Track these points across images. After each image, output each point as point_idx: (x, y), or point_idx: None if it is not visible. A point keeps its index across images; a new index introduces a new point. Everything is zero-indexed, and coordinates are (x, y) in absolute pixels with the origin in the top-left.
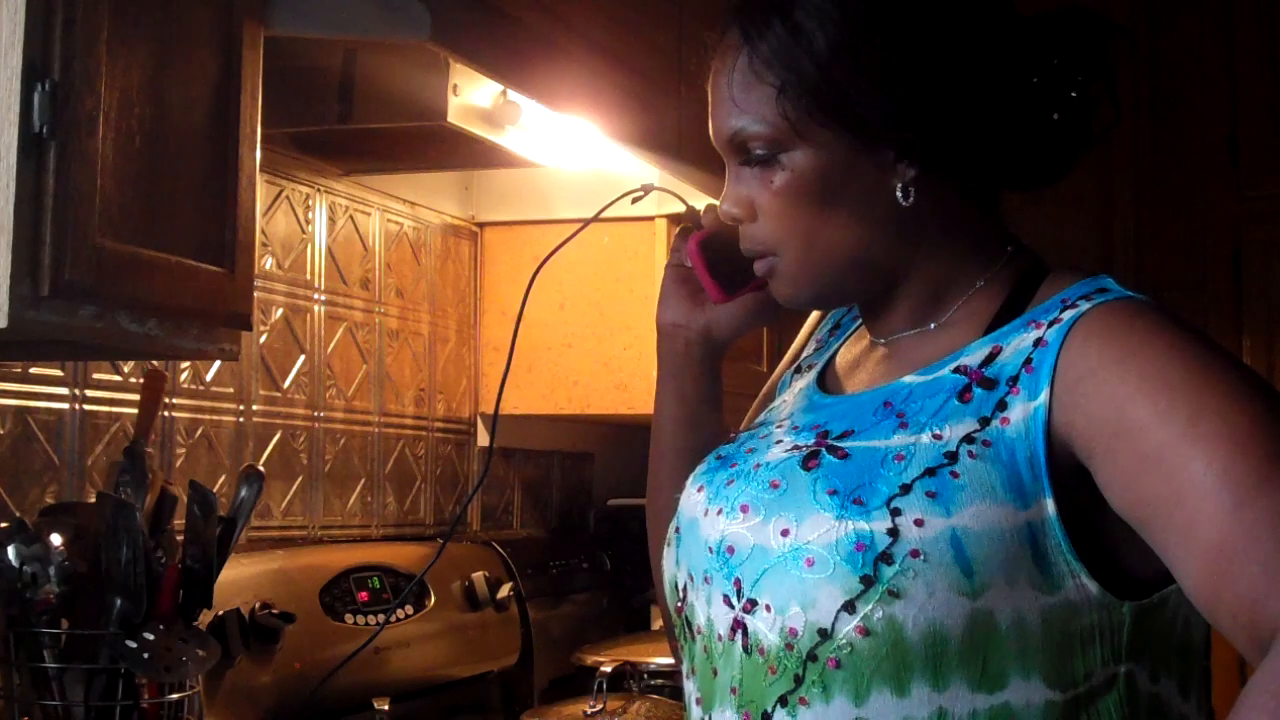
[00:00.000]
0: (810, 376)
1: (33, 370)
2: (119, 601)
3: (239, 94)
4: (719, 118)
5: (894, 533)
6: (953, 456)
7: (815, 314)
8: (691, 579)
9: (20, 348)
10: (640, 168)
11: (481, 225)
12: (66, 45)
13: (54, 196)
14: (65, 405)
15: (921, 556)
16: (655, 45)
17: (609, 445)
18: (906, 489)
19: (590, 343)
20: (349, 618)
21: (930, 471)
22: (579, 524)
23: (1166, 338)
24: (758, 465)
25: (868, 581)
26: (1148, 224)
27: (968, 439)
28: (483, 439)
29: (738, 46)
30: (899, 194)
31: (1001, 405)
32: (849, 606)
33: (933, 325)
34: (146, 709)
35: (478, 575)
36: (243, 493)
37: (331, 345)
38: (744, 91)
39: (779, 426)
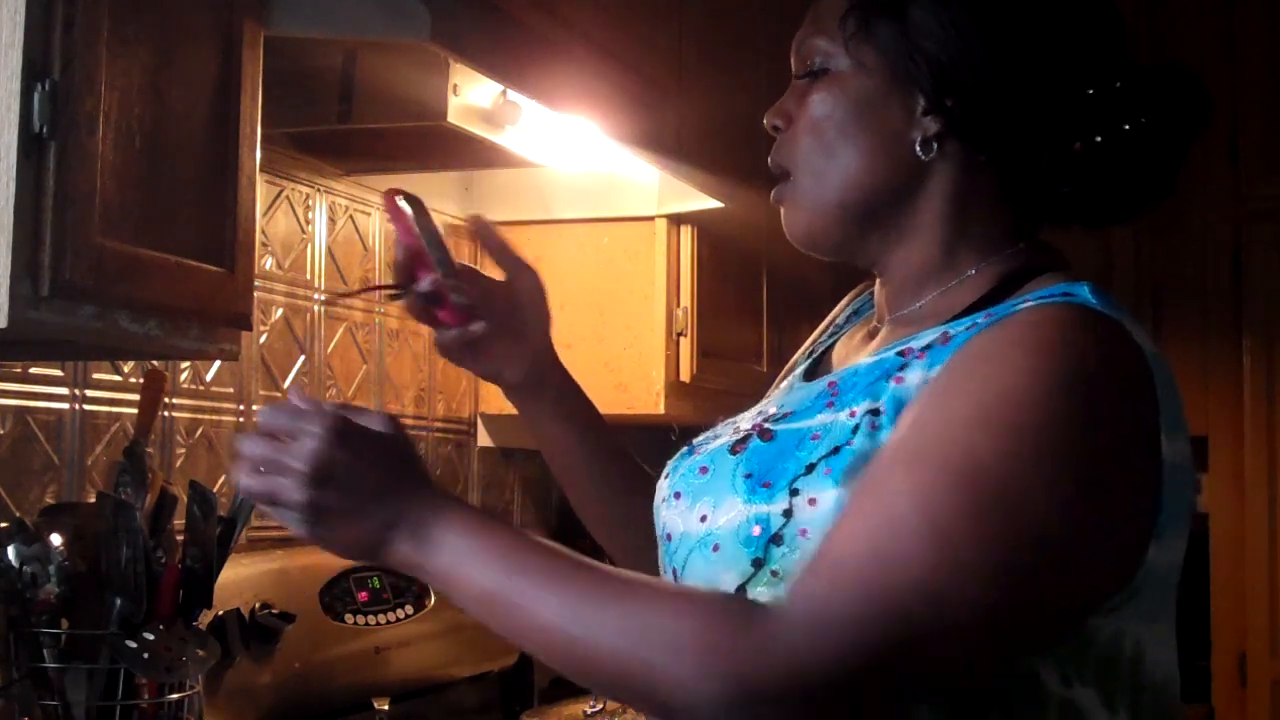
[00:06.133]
0: (807, 363)
1: (33, 370)
2: (119, 601)
3: (239, 94)
4: (799, 32)
5: (789, 513)
6: (856, 430)
7: (843, 301)
8: (660, 570)
9: (20, 348)
10: (640, 167)
11: None
12: (66, 45)
13: (54, 196)
14: (65, 405)
15: (808, 535)
16: (655, 45)
17: None
18: (811, 468)
19: (590, 343)
20: (349, 618)
21: (836, 449)
22: (579, 524)
23: (1032, 364)
24: (701, 451)
25: (758, 564)
26: (1147, 224)
27: (872, 411)
28: (483, 439)
29: None
30: (918, 146)
31: (903, 368)
32: (740, 590)
33: (919, 305)
34: (146, 709)
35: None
36: None
37: (331, 345)
38: (826, 7)
39: (750, 412)
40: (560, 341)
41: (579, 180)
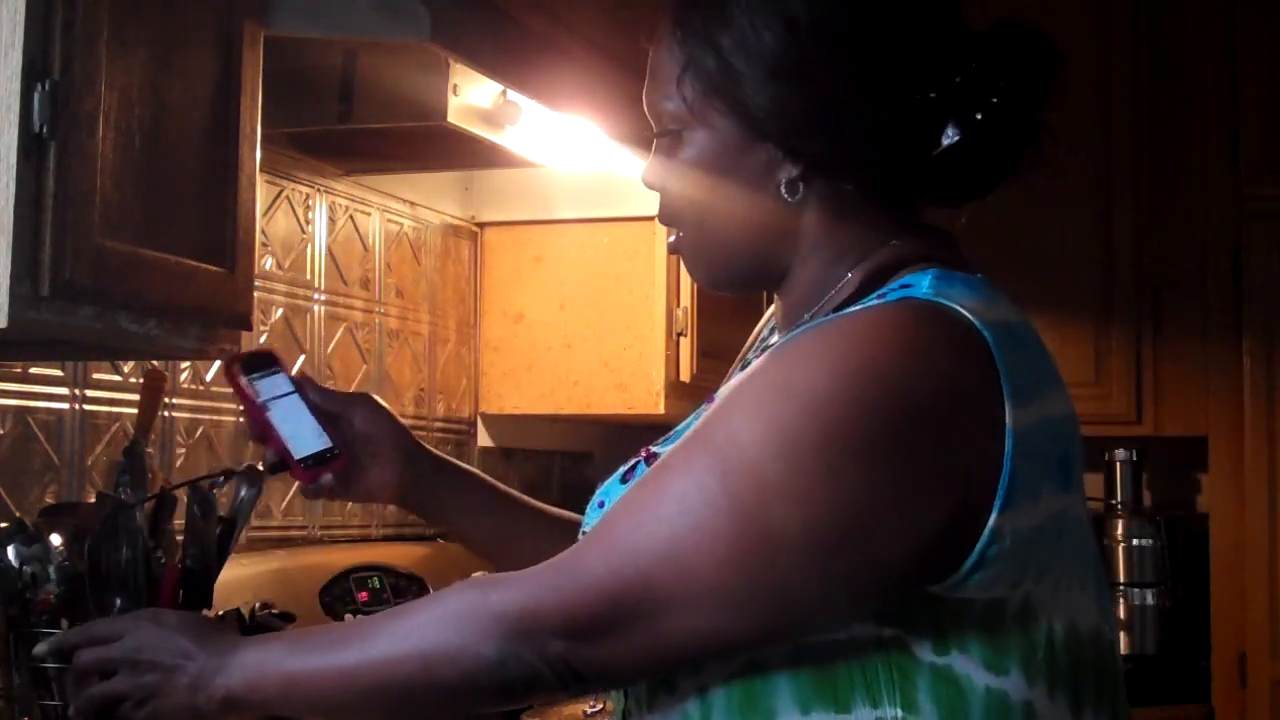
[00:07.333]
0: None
1: (33, 370)
2: (119, 601)
3: (239, 94)
4: (646, 87)
5: None
6: None
7: (765, 315)
8: None
9: (20, 348)
10: (640, 167)
11: (481, 225)
12: (66, 45)
13: (54, 196)
14: (65, 405)
15: None
16: None
17: (609, 445)
18: None
19: (590, 343)
20: (349, 618)
21: None
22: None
23: (815, 360)
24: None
25: None
26: (1148, 224)
27: None
28: (483, 439)
29: (669, 23)
30: (783, 190)
31: (745, 367)
32: None
33: (807, 317)
34: None
35: (478, 575)
36: (243, 493)
37: (331, 345)
38: (661, 67)
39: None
40: (560, 342)
41: (579, 180)
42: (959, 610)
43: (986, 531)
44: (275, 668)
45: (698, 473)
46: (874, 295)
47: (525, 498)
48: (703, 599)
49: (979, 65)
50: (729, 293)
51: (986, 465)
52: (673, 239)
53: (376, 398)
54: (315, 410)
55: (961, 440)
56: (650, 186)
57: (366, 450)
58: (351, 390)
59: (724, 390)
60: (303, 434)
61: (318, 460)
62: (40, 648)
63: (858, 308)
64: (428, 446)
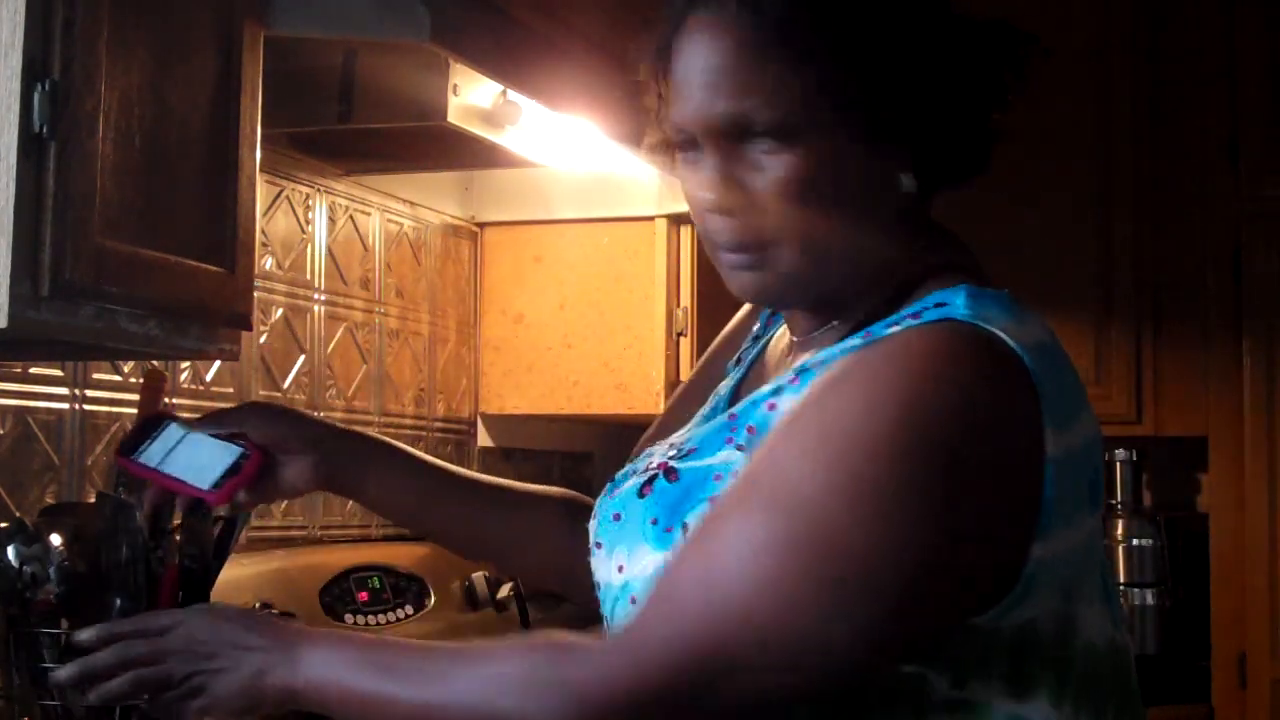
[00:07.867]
0: (731, 380)
1: (33, 370)
2: (119, 601)
3: (239, 94)
4: (714, 96)
5: None
6: None
7: (746, 308)
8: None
9: (20, 348)
10: (640, 167)
11: (481, 225)
12: (66, 45)
13: (54, 196)
14: (65, 405)
15: None
16: None
17: (609, 445)
18: None
19: (590, 343)
20: (349, 618)
21: None
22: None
23: (871, 397)
24: (615, 494)
25: None
26: (1148, 224)
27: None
28: (484, 439)
29: (733, 21)
30: (904, 192)
31: (778, 392)
32: None
33: (834, 323)
34: (147, 709)
35: (478, 575)
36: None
37: (331, 345)
38: (752, 72)
39: (663, 444)
40: (560, 342)
41: (579, 180)
42: (986, 638)
43: (1030, 559)
44: (336, 680)
45: (761, 530)
46: (907, 313)
47: (470, 474)
48: (779, 658)
49: (1004, 59)
50: (787, 308)
51: (1029, 495)
52: (747, 258)
53: (267, 402)
54: (216, 435)
55: (1011, 474)
56: (726, 211)
57: (275, 450)
58: (352, 389)
59: (724, 388)
60: (209, 463)
61: (230, 473)
62: (85, 634)
63: (896, 328)
64: (356, 430)
